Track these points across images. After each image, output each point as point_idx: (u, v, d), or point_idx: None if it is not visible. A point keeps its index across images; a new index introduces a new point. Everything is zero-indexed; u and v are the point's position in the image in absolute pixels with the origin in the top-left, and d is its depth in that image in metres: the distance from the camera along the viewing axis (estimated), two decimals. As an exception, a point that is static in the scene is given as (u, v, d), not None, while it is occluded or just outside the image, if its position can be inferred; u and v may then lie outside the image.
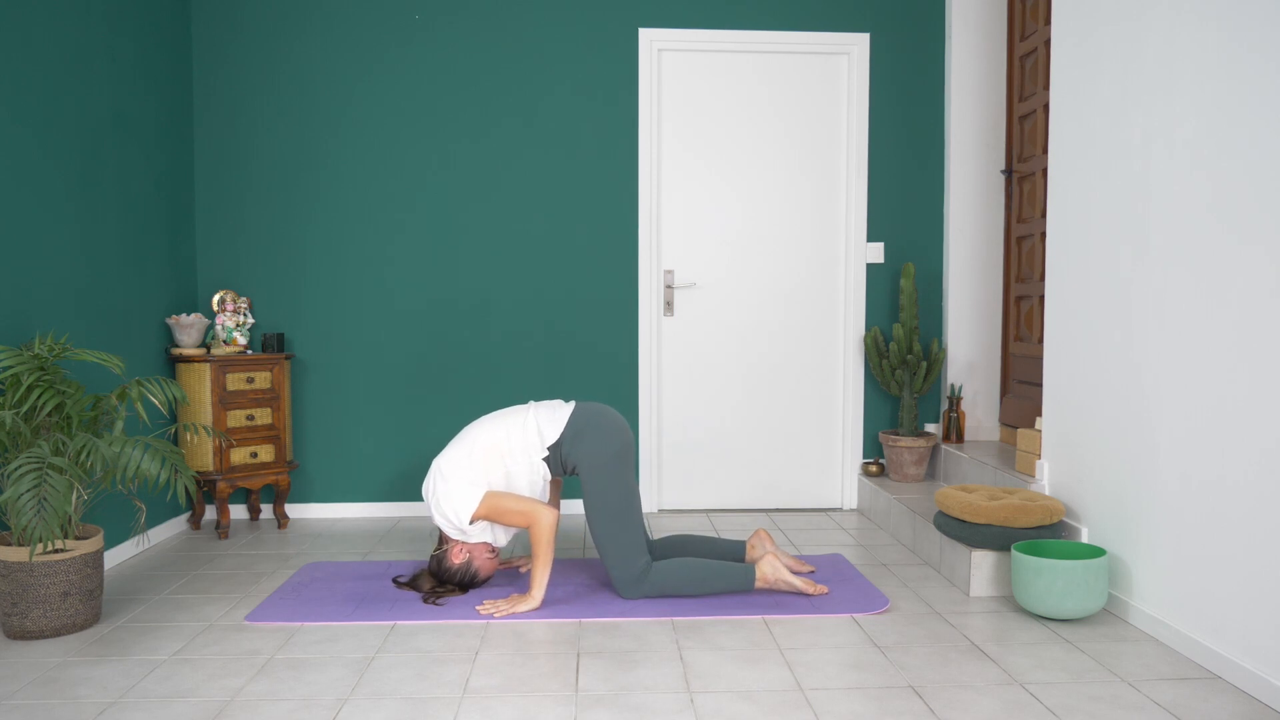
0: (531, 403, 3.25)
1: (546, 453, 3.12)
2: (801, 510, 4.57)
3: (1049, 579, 2.82)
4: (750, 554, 3.35)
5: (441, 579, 3.17)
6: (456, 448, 3.11)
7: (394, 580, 3.29)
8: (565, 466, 3.15)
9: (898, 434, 4.38)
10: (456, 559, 3.14)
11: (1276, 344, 2.28)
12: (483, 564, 3.16)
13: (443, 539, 3.17)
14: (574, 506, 4.51)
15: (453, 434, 4.44)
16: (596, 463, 3.07)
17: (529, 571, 3.45)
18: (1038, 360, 4.07)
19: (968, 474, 4.03)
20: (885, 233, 4.52)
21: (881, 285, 4.54)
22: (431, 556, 3.21)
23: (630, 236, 4.44)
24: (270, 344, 4.20)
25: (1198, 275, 2.56)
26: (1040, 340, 4.08)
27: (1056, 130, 3.32)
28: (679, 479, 4.54)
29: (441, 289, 4.41)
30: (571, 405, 3.20)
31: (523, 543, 3.97)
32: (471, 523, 3.05)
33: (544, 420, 3.14)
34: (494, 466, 3.07)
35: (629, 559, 3.07)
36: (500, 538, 3.17)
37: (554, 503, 3.44)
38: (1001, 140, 4.46)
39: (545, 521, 2.99)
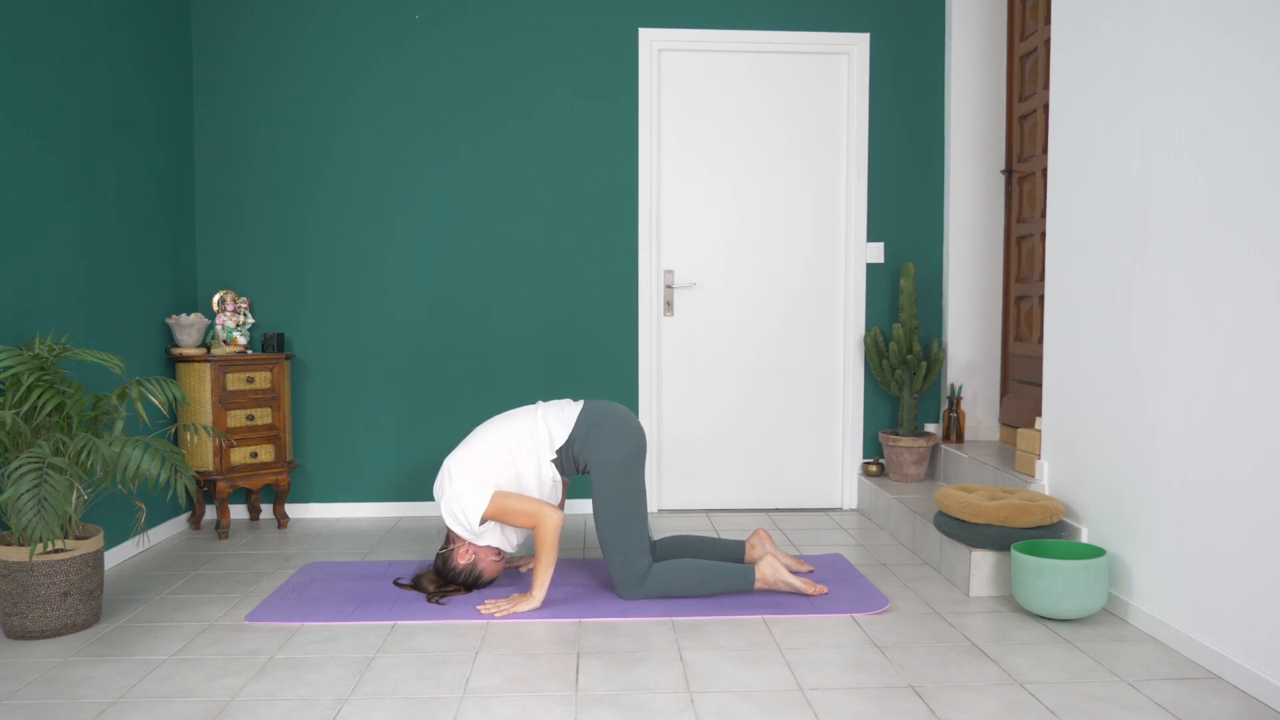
0: (540, 403, 3.24)
1: (555, 455, 3.11)
2: (801, 510, 4.57)
3: (1049, 579, 2.82)
4: (750, 554, 3.35)
5: (446, 578, 3.16)
6: (466, 448, 3.10)
7: (395, 582, 3.28)
8: (577, 466, 3.14)
9: (898, 434, 4.38)
10: (462, 560, 3.13)
11: (1276, 344, 2.28)
12: (487, 566, 3.16)
13: (449, 538, 3.17)
14: (576, 506, 4.51)
15: (452, 433, 4.44)
16: (607, 462, 3.07)
17: (530, 571, 3.46)
18: (1038, 360, 4.07)
19: (968, 474, 4.03)
20: (885, 233, 4.52)
21: (881, 285, 4.54)
22: (437, 555, 3.20)
23: (630, 236, 4.44)
24: (270, 344, 4.20)
25: (1197, 275, 2.56)
26: (1040, 340, 4.08)
27: (1056, 130, 3.32)
28: (679, 479, 4.54)
29: (441, 289, 4.41)
30: (580, 405, 3.19)
31: (527, 544, 3.96)
32: (481, 524, 3.04)
33: (552, 421, 3.13)
34: (503, 468, 3.06)
35: (631, 560, 3.06)
36: (512, 539, 3.16)
37: (560, 504, 3.41)
38: (1001, 140, 4.46)
39: (550, 523, 2.98)
